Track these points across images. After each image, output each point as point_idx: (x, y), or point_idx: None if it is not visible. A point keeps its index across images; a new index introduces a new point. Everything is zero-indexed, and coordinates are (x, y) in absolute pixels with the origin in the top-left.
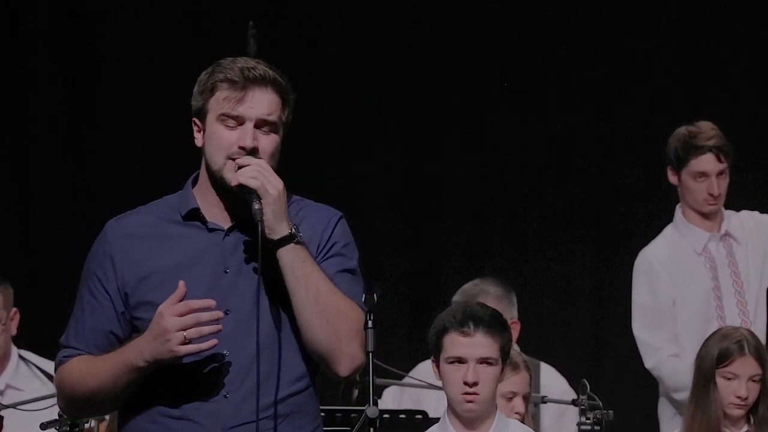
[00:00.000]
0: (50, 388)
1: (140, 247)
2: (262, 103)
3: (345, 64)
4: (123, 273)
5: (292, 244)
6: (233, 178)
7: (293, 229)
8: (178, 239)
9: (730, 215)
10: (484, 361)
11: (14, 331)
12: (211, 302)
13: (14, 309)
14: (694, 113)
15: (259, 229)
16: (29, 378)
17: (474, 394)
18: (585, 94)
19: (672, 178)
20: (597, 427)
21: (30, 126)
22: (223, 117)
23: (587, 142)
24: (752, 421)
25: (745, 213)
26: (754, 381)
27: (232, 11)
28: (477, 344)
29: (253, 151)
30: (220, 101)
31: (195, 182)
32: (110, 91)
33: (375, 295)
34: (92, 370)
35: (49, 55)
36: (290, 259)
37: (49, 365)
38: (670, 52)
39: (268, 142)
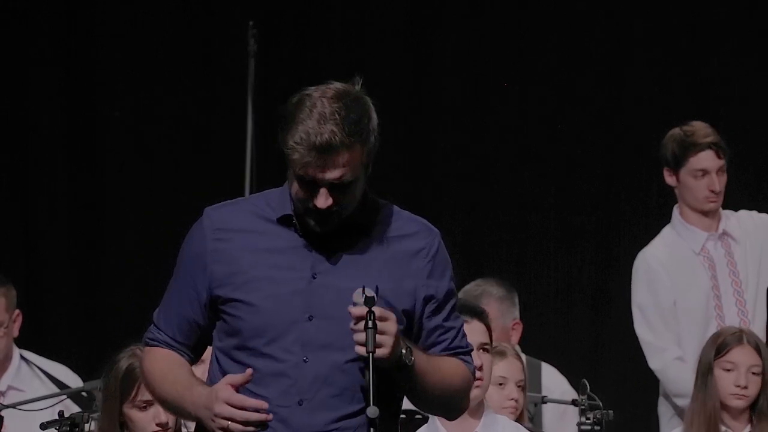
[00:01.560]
0: (51, 388)
1: (233, 240)
2: (334, 168)
3: (345, 65)
4: (213, 267)
5: (405, 364)
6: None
7: (404, 352)
8: (270, 239)
9: (728, 215)
10: (483, 346)
11: (16, 333)
12: (264, 405)
13: (17, 311)
14: (694, 114)
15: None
16: (31, 379)
17: (479, 379)
18: (585, 95)
19: (669, 179)
20: (597, 427)
21: (30, 128)
22: (298, 177)
23: (587, 142)
24: (754, 420)
25: (743, 212)
26: (754, 373)
27: (232, 11)
28: (477, 331)
29: (329, 208)
30: (294, 160)
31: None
32: (110, 90)
33: (375, 295)
34: (160, 382)
35: (49, 55)
36: (401, 377)
37: (50, 366)
38: (670, 53)
39: (345, 197)
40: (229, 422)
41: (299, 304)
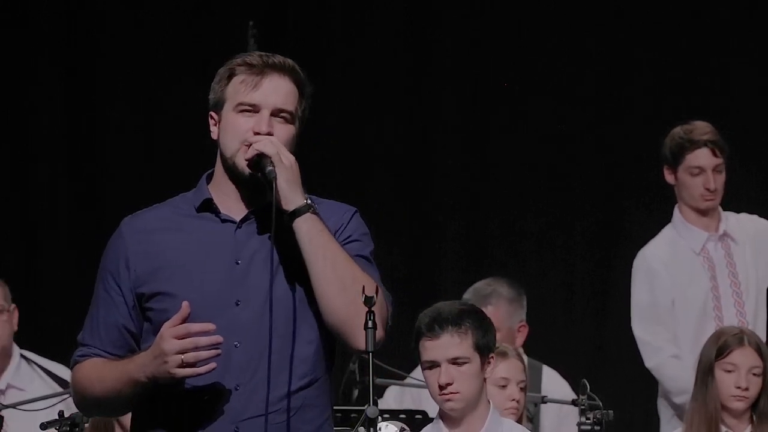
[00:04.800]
0: (52, 387)
1: (153, 240)
2: (279, 91)
3: (345, 65)
4: (136, 268)
5: (309, 214)
6: (248, 152)
7: (308, 200)
8: (190, 231)
9: (728, 216)
10: (455, 361)
11: (15, 327)
12: (211, 326)
13: (13, 305)
14: (694, 114)
15: (274, 187)
16: (31, 378)
17: (452, 393)
18: (585, 95)
19: (669, 177)
20: (597, 427)
21: (31, 126)
22: (240, 106)
23: (587, 142)
24: (755, 421)
25: (744, 215)
26: (755, 375)
27: (232, 11)
28: (444, 345)
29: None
30: (237, 86)
31: (209, 179)
32: (110, 90)
33: (375, 296)
34: (100, 377)
35: (49, 55)
36: (307, 228)
37: (51, 365)
38: (670, 53)
39: (283, 130)
40: (183, 355)
41: (225, 291)
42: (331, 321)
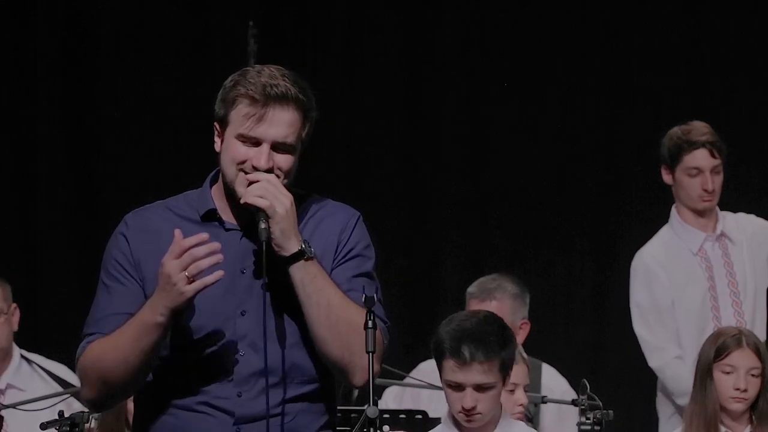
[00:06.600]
0: (52, 387)
1: (159, 242)
2: (281, 124)
3: (345, 65)
4: (144, 264)
5: (302, 261)
6: (242, 195)
7: (303, 245)
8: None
9: (725, 215)
10: (481, 387)
11: (15, 327)
12: (204, 236)
13: (14, 304)
14: (693, 116)
15: (263, 248)
16: (31, 378)
17: (473, 414)
18: (586, 95)
19: (666, 178)
20: (597, 427)
21: (31, 127)
22: (241, 137)
23: (587, 142)
24: (754, 421)
25: (742, 215)
26: (753, 375)
27: (232, 11)
28: (473, 372)
29: (267, 172)
30: (240, 117)
31: (214, 180)
32: (111, 89)
33: (375, 296)
34: (111, 344)
35: (49, 56)
36: (300, 276)
37: (51, 365)
38: (670, 54)
39: (283, 161)
40: (185, 271)
41: (230, 300)
42: (327, 363)
